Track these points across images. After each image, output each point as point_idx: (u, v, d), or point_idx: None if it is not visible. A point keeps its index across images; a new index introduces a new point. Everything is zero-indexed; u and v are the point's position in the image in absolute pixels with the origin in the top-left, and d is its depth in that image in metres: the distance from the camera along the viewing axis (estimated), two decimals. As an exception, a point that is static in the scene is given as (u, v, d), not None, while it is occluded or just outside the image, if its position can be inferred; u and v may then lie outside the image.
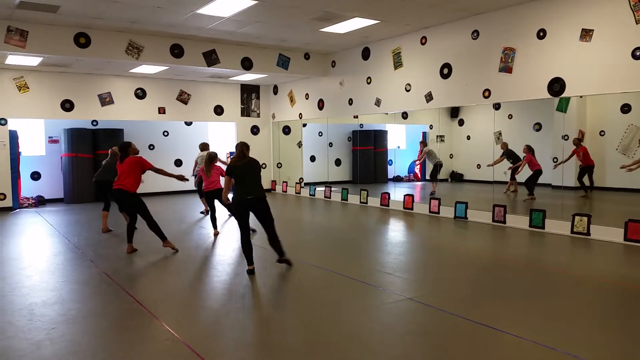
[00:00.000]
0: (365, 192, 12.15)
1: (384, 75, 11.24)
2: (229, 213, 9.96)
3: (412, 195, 11.06)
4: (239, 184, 5.76)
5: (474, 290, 5.19)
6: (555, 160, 11.27)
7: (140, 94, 13.44)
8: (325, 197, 13.48)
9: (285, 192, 15.04)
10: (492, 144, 12.31)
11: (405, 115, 13.82)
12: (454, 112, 15.68)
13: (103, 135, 13.34)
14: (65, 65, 11.50)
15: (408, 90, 10.61)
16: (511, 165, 12.18)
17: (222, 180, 7.93)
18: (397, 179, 16.93)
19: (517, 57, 8.43)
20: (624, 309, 4.58)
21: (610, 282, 5.44)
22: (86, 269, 6.20)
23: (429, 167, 14.08)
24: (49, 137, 13.46)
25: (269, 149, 15.60)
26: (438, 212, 10.07)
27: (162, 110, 13.77)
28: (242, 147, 5.88)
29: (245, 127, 15.17)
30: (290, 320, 4.43)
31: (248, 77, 13.63)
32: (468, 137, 15.46)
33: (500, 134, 12.71)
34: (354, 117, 12.85)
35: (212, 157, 8.21)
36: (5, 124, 11.64)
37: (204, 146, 10.62)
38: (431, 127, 15.54)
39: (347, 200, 12.71)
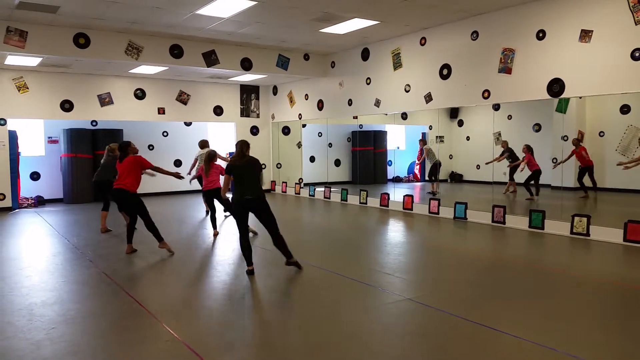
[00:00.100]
0: (365, 192, 12.15)
1: (383, 75, 11.25)
2: (226, 214, 9.94)
3: (411, 196, 11.06)
4: (238, 184, 5.70)
5: (473, 290, 5.20)
6: (554, 160, 11.27)
7: (140, 95, 13.44)
8: (324, 197, 13.48)
9: (285, 192, 15.04)
10: (492, 145, 12.32)
11: (404, 116, 13.82)
12: (454, 112, 15.68)
13: (102, 136, 13.33)
14: (64, 66, 11.50)
15: (407, 91, 10.62)
16: (510, 163, 12.19)
17: (222, 178, 7.84)
18: (397, 180, 16.93)
19: (516, 57, 8.44)
20: (624, 309, 4.58)
21: (610, 282, 5.44)
22: (85, 269, 6.20)
23: (429, 166, 14.06)
24: (49, 138, 13.46)
25: (269, 149, 15.60)
26: (437, 213, 10.07)
27: (161, 111, 13.77)
28: (242, 146, 5.78)
29: (244, 128, 15.17)
30: (290, 321, 4.43)
31: (247, 77, 13.63)
32: (467, 138, 15.45)
33: (499, 134, 12.72)
34: (354, 117, 12.84)
35: (212, 156, 8.00)
36: (5, 124, 11.64)
37: (203, 144, 10.45)
38: (430, 127, 15.53)
39: (346, 200, 12.71)
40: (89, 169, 12.86)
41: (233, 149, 7.97)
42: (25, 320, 4.37)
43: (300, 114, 14.21)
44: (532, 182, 11.64)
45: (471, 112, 15.30)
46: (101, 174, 8.69)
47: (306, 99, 13.92)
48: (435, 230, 8.98)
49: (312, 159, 16.37)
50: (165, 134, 14.92)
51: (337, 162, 16.96)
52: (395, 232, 8.92)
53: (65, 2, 8.06)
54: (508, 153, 12.24)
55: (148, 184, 13.68)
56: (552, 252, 7.03)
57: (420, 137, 15.13)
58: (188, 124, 15.20)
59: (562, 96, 7.90)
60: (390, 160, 17.17)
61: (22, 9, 8.31)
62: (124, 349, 3.81)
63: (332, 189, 13.51)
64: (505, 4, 8.36)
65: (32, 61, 10.64)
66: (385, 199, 11.48)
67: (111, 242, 7.86)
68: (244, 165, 5.70)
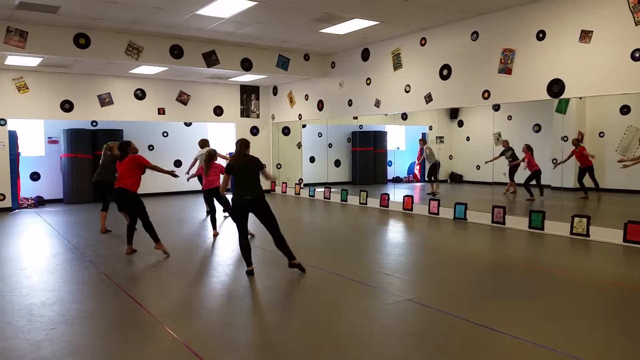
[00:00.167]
0: (365, 193, 12.15)
1: (383, 76, 11.25)
2: (225, 214, 9.92)
3: (411, 197, 11.06)
4: (238, 184, 5.67)
5: (473, 291, 5.19)
6: (554, 161, 11.27)
7: (140, 95, 13.44)
8: (324, 198, 13.48)
9: (285, 193, 15.04)
10: (492, 145, 12.32)
11: (404, 117, 13.83)
12: (454, 113, 15.68)
13: (102, 136, 13.30)
14: (64, 66, 11.50)
15: (407, 92, 10.62)
16: (510, 162, 12.18)
17: (222, 177, 7.79)
18: (397, 180, 16.93)
19: (516, 58, 8.44)
20: (624, 309, 4.58)
21: (610, 282, 5.44)
22: (85, 269, 6.19)
23: (428, 167, 14.05)
24: (49, 138, 13.46)
25: (269, 149, 15.60)
26: (437, 213, 10.07)
27: (161, 111, 13.77)
28: (242, 146, 5.71)
29: (244, 128, 15.17)
30: (290, 321, 4.44)
31: (248, 78, 13.64)
32: (467, 138, 15.46)
33: (499, 135, 12.72)
34: (354, 118, 12.85)
35: (212, 155, 7.89)
36: (5, 124, 11.64)
37: (203, 143, 10.34)
38: (431, 128, 15.54)
39: (346, 201, 12.71)
40: (89, 169, 12.86)
41: (233, 149, 7.95)
42: (25, 320, 4.37)
43: (300, 115, 14.21)
44: (534, 182, 11.62)
45: (471, 113, 15.30)
46: (101, 174, 8.68)
47: (306, 100, 13.92)
48: (435, 230, 8.98)
49: (312, 160, 16.38)
50: (165, 134, 14.92)
51: (337, 163, 16.97)
52: (395, 232, 8.92)
53: (65, 2, 8.06)
54: (509, 152, 12.24)
55: (148, 184, 13.66)
56: (552, 253, 7.03)
57: (421, 137, 15.13)
58: (188, 125, 15.21)
59: (562, 97, 7.90)
60: (390, 161, 17.17)
61: (22, 9, 8.31)
62: (124, 349, 3.81)
63: (332, 190, 13.52)
64: (505, 5, 8.36)
65: (32, 61, 10.64)
66: (385, 199, 11.48)
67: (111, 243, 7.86)
68: (243, 165, 5.65)
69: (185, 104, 14.14)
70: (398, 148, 17.40)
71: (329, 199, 13.31)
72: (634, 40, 6.89)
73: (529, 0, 8.08)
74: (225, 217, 9.94)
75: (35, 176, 13.22)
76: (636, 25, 6.87)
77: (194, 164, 10.72)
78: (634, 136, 11.32)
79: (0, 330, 4.15)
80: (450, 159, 16.15)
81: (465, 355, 3.59)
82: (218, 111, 14.68)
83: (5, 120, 11.65)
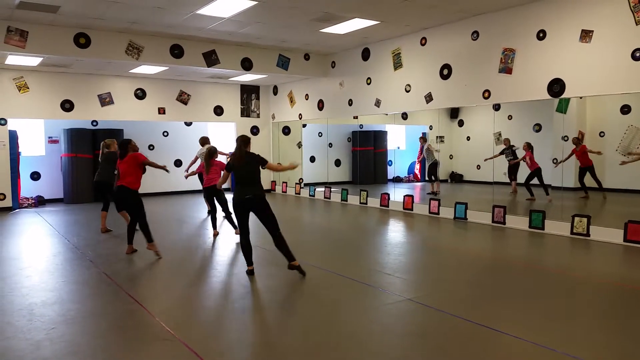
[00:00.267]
0: (365, 192, 12.15)
1: (383, 76, 11.25)
2: (224, 214, 9.91)
3: (411, 196, 11.06)
4: (238, 183, 5.65)
5: (473, 291, 5.19)
6: (555, 161, 11.26)
7: (140, 95, 13.44)
8: (324, 197, 13.48)
9: (285, 192, 15.04)
10: (492, 145, 12.32)
11: (405, 116, 13.81)
12: (454, 112, 15.67)
13: (103, 136, 13.24)
14: (65, 66, 11.50)
15: (408, 91, 10.62)
16: (509, 161, 12.17)
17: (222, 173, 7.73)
18: (397, 180, 16.93)
19: (517, 58, 8.43)
20: (624, 309, 4.58)
21: (610, 282, 5.44)
22: (85, 269, 6.20)
23: (428, 166, 14.03)
24: (49, 137, 13.46)
25: (269, 149, 15.60)
26: (438, 213, 10.07)
27: (162, 111, 13.78)
28: (242, 144, 5.63)
29: (245, 128, 15.16)
30: (290, 321, 4.44)
31: (248, 77, 13.63)
32: (468, 138, 15.45)
33: (500, 134, 12.71)
34: (354, 117, 12.83)
35: (212, 152, 7.84)
36: (5, 124, 11.64)
37: (204, 140, 10.31)
38: (431, 127, 15.52)
39: (346, 200, 12.71)
40: (89, 169, 12.87)
41: (234, 148, 7.90)
42: (25, 320, 4.37)
43: (300, 114, 14.21)
44: (538, 181, 11.57)
45: (471, 112, 15.29)
46: (102, 173, 8.65)
47: (306, 99, 13.92)
48: (436, 230, 8.98)
49: (312, 159, 16.37)
50: (165, 134, 14.92)
51: (338, 162, 16.96)
52: (396, 232, 8.92)
53: (65, 2, 8.06)
54: (510, 150, 12.23)
55: (148, 183, 13.68)
56: (552, 253, 7.03)
57: (421, 135, 15.10)
58: (188, 124, 15.20)
59: (562, 96, 7.90)
60: (390, 161, 17.16)
61: (22, 8, 8.31)
62: (124, 349, 3.81)
63: (332, 189, 13.52)
64: (505, 4, 8.36)
65: (33, 61, 10.64)
66: (385, 199, 11.48)
67: (111, 243, 7.86)
68: (243, 164, 5.60)
69: (185, 103, 14.14)
70: (398, 148, 17.39)
71: (329, 198, 13.31)
72: (635, 39, 6.89)
73: (530, 0, 8.07)
74: (224, 217, 9.91)
75: (35, 176, 13.22)
76: (636, 24, 6.86)
77: (194, 161, 10.71)
78: (634, 136, 11.32)
79: (1, 330, 4.15)
80: (451, 158, 16.14)
81: (465, 355, 3.59)
82: (218, 111, 14.68)
83: (5, 120, 11.65)
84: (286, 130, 15.49)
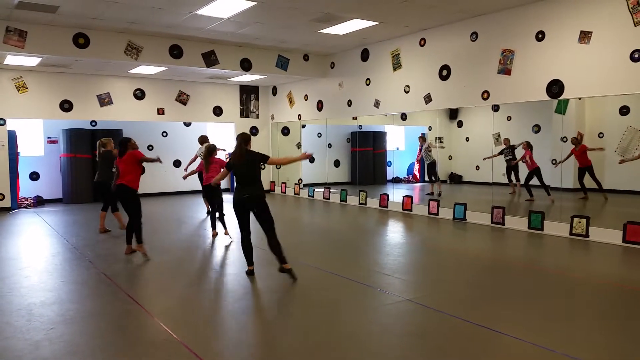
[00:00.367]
0: (364, 193, 12.15)
1: (383, 76, 11.25)
2: (218, 214, 9.87)
3: (411, 197, 11.06)
4: (238, 183, 5.62)
5: (473, 291, 5.19)
6: (554, 161, 11.27)
7: (139, 95, 13.43)
8: (324, 198, 13.48)
9: (284, 193, 15.03)
10: (491, 146, 12.32)
11: (404, 117, 13.83)
12: (453, 113, 15.68)
13: (102, 136, 13.17)
14: (64, 66, 11.49)
15: (407, 92, 10.62)
16: (509, 160, 12.18)
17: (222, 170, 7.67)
18: (396, 180, 16.93)
19: (516, 58, 8.44)
20: (623, 310, 4.58)
21: (609, 283, 5.44)
22: (84, 269, 6.19)
23: (426, 165, 14.02)
24: (48, 138, 13.44)
25: (268, 149, 15.58)
26: (437, 214, 10.07)
27: (161, 111, 13.77)
28: (242, 142, 5.57)
29: (244, 128, 15.13)
30: (290, 321, 4.43)
31: (247, 78, 13.63)
32: (467, 139, 15.45)
33: (499, 135, 12.72)
34: (353, 118, 12.84)
35: (211, 150, 7.80)
36: (4, 124, 11.63)
37: (203, 139, 10.28)
38: (430, 128, 15.53)
39: (346, 201, 12.71)
40: (88, 169, 12.86)
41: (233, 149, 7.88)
42: (24, 320, 4.36)
43: (299, 115, 14.21)
44: (538, 181, 11.56)
45: (470, 113, 15.30)
46: (101, 173, 8.63)
47: (306, 100, 13.92)
48: (435, 231, 8.98)
49: (311, 160, 16.35)
50: (164, 134, 14.91)
51: (337, 163, 16.96)
52: (395, 232, 8.92)
53: (64, 2, 8.05)
54: (509, 150, 12.23)
55: (147, 184, 13.67)
56: (552, 253, 7.04)
57: (420, 135, 15.09)
58: (187, 124, 15.19)
59: (561, 97, 7.90)
60: (389, 161, 17.17)
61: (21, 8, 8.30)
62: (123, 349, 3.80)
63: (331, 190, 13.52)
64: (504, 5, 8.37)
65: (32, 61, 10.63)
66: (384, 199, 11.48)
67: (110, 243, 7.85)
68: (244, 162, 5.55)
69: (184, 104, 14.13)
70: (397, 148, 17.40)
71: (329, 199, 13.31)
72: (633, 41, 6.90)
73: (529, 0, 8.08)
74: (218, 217, 9.86)
75: (34, 176, 13.20)
76: (635, 26, 6.88)
77: (193, 160, 10.71)
78: (633, 137, 11.33)
79: (0, 330, 4.15)
80: (450, 159, 16.15)
81: (464, 356, 3.59)
82: (217, 111, 14.68)
83: (4, 120, 11.63)
84: (285, 131, 15.48)
